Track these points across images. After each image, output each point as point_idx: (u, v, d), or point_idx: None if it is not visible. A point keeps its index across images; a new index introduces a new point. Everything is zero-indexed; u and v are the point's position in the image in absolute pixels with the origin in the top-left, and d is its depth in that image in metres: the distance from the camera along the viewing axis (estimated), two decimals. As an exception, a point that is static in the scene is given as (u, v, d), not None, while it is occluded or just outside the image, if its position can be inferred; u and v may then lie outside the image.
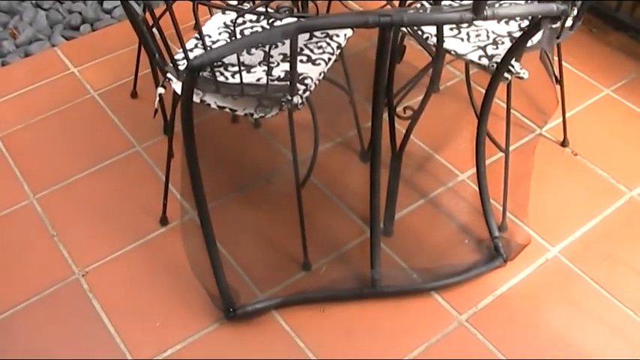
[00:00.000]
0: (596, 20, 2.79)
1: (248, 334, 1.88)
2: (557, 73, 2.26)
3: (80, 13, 2.93)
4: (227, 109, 1.80)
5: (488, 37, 1.94)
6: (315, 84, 1.82)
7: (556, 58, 2.23)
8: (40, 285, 2.00)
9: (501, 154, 2.08)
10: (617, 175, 2.25)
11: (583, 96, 2.51)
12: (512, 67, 1.80)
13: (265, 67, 1.80)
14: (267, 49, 1.83)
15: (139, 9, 1.69)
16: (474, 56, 1.89)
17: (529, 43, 1.78)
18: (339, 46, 1.92)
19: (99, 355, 1.85)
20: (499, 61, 1.81)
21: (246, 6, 1.91)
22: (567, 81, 2.30)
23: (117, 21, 2.91)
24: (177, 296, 1.96)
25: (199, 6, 1.62)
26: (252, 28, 1.98)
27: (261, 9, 1.75)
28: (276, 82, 1.79)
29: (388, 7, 2.25)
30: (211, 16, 2.06)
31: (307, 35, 1.93)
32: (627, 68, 2.61)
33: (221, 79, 1.78)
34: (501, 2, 1.57)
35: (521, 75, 1.82)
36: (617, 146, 2.35)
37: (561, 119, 2.32)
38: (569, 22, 1.89)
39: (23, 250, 2.09)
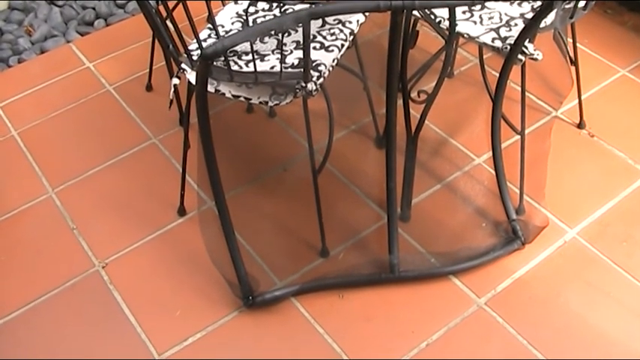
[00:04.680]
0: (610, 1, 2.76)
1: (267, 322, 1.89)
2: (571, 54, 2.24)
3: (94, 9, 2.94)
4: (242, 98, 1.80)
5: (501, 19, 1.94)
6: (329, 70, 1.82)
7: (570, 40, 2.22)
8: (60, 277, 2.02)
9: (517, 137, 2.07)
10: (635, 156, 2.23)
11: (598, 77, 2.49)
12: (526, 48, 1.79)
13: (279, 55, 1.80)
14: (280, 36, 1.84)
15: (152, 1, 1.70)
16: (487, 38, 1.89)
17: (542, 24, 1.78)
18: (351, 33, 1.92)
19: (120, 345, 1.87)
20: (512, 42, 1.80)
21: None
22: (582, 62, 2.28)
23: (130, 15, 2.92)
24: (196, 285, 1.97)
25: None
26: (264, 16, 1.99)
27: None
28: (289, 70, 1.79)
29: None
30: (224, 6, 2.06)
31: (320, 22, 1.93)
32: (643, 49, 2.60)
33: (235, 68, 1.78)
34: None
35: (534, 56, 1.81)
36: (634, 127, 2.33)
37: (577, 101, 2.31)
38: (582, 3, 1.88)
39: (43, 243, 2.11)
